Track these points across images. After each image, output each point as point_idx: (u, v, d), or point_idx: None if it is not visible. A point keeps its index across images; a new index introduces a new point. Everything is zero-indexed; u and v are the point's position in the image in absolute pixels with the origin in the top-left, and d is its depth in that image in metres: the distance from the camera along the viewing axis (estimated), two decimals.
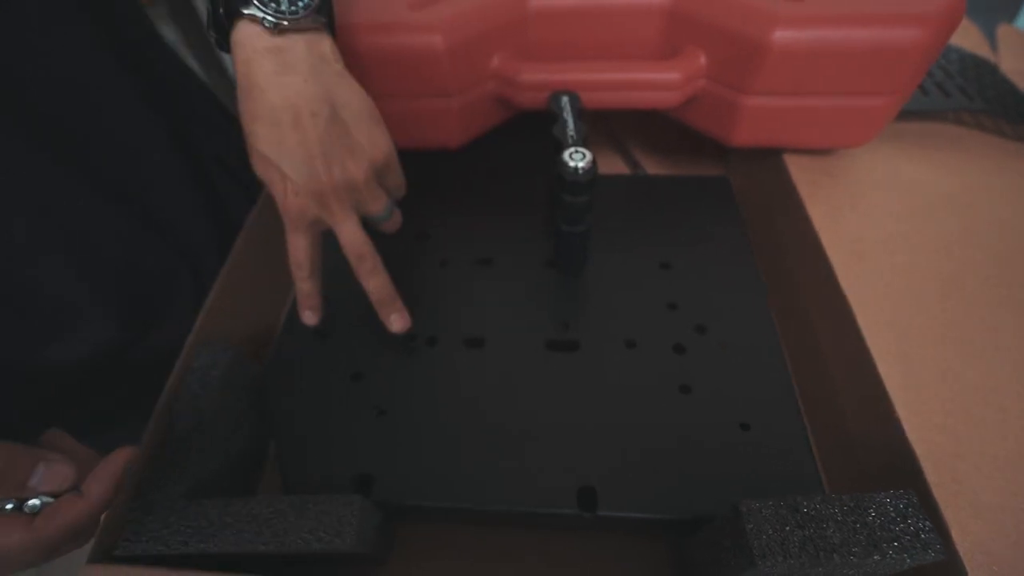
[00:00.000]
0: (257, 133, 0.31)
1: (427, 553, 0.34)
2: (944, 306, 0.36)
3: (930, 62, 0.39)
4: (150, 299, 0.43)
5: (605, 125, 0.60)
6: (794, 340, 0.40)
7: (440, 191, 0.41)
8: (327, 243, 0.36)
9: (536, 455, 0.33)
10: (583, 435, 0.34)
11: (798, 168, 0.45)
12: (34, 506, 0.23)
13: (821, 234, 0.40)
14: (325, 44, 0.32)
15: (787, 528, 0.24)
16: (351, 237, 0.34)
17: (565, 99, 0.39)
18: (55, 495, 0.24)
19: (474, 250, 0.45)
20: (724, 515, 0.26)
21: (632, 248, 0.44)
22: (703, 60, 0.41)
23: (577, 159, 0.35)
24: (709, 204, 0.48)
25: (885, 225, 0.41)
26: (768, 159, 0.47)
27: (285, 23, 0.30)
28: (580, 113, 0.38)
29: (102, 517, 0.26)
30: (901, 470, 0.30)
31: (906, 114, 0.46)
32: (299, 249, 0.35)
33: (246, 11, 0.30)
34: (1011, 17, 0.62)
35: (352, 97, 0.33)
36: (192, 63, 1.19)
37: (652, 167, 0.56)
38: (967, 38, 0.58)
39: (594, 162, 0.35)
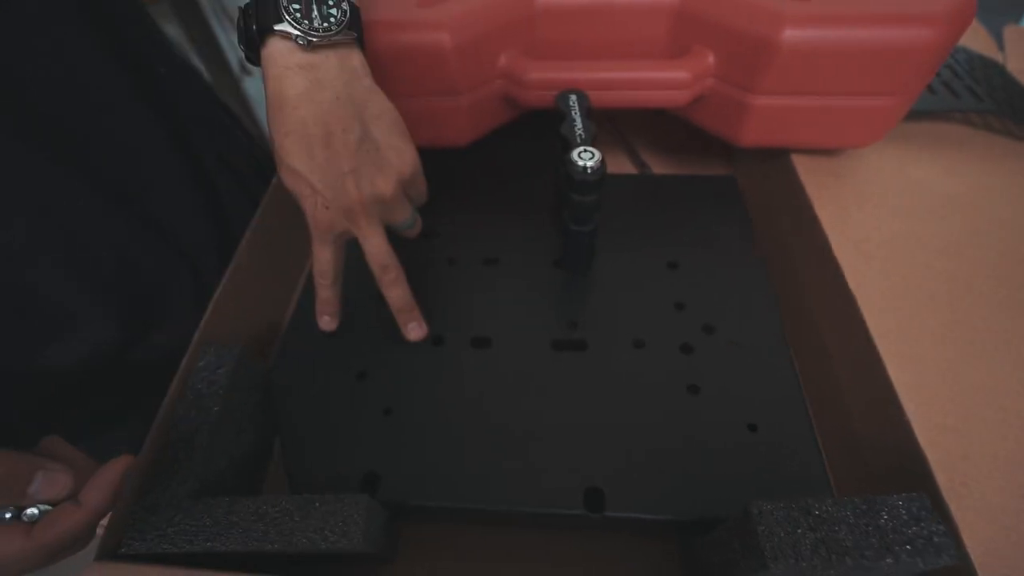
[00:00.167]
0: (288, 148, 0.31)
1: (432, 553, 0.34)
2: (952, 306, 0.36)
3: (939, 62, 0.39)
4: (150, 299, 0.43)
5: (612, 124, 0.60)
6: (801, 340, 0.40)
7: (448, 190, 0.41)
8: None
9: (543, 455, 0.33)
10: (590, 435, 0.34)
11: (805, 168, 0.45)
12: (33, 515, 0.24)
13: (828, 234, 0.39)
14: (355, 59, 0.32)
15: (799, 531, 0.23)
16: (377, 249, 0.35)
17: (573, 98, 0.39)
18: (53, 503, 0.24)
19: (481, 249, 0.45)
20: (734, 517, 0.26)
21: (639, 248, 0.44)
22: (711, 59, 0.41)
23: (586, 158, 0.35)
24: (716, 204, 0.48)
25: (892, 225, 0.41)
26: (776, 159, 0.47)
27: (317, 39, 0.30)
28: (588, 112, 0.38)
29: (106, 518, 0.26)
30: (910, 471, 0.29)
31: (914, 114, 0.45)
32: (324, 259, 0.36)
33: (278, 27, 0.30)
34: (1017, 18, 0.62)
35: (382, 112, 0.33)
36: (195, 60, 1.19)
37: (659, 167, 0.55)
38: (974, 39, 0.58)
39: (603, 161, 0.35)
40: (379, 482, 0.32)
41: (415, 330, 0.39)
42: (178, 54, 0.50)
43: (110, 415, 0.44)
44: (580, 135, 0.36)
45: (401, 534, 0.34)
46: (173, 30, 1.17)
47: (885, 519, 0.24)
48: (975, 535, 0.27)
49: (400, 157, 0.34)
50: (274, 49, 0.31)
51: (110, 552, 0.27)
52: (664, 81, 0.41)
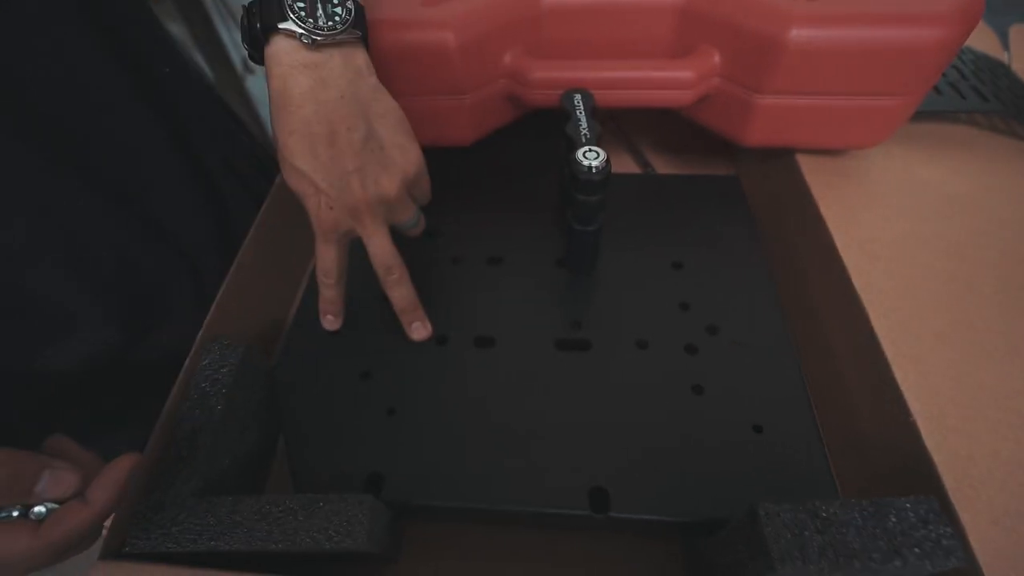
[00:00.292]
0: (292, 147, 0.31)
1: (436, 552, 0.34)
2: (957, 307, 0.36)
3: (947, 63, 0.39)
4: (150, 300, 0.43)
5: (615, 124, 0.59)
6: (806, 340, 0.40)
7: (452, 189, 0.41)
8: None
9: (547, 455, 0.33)
10: (594, 435, 0.34)
11: (810, 168, 0.45)
12: (40, 513, 0.24)
13: (833, 234, 0.39)
14: (360, 57, 0.32)
15: (806, 533, 0.23)
16: (381, 249, 0.35)
17: (578, 97, 0.39)
18: (60, 502, 0.24)
19: (485, 248, 0.45)
20: (741, 518, 0.26)
21: (643, 247, 0.44)
22: (717, 59, 0.41)
23: (591, 158, 0.34)
24: (720, 204, 0.47)
25: (898, 225, 0.41)
26: (781, 159, 0.47)
27: (322, 38, 0.30)
28: (593, 111, 0.38)
29: (110, 517, 0.26)
30: (915, 472, 0.29)
31: (920, 115, 0.45)
32: (328, 259, 0.36)
33: (282, 26, 0.30)
34: (1023, 18, 0.62)
35: (386, 111, 0.33)
36: (198, 58, 1.19)
37: (662, 166, 0.55)
38: (980, 39, 0.58)
39: (608, 161, 0.35)
40: (383, 482, 0.32)
41: (419, 330, 0.39)
42: (180, 53, 0.50)
43: (111, 415, 0.44)
44: (585, 134, 0.36)
45: (404, 533, 0.34)
46: (177, 28, 1.17)
47: (893, 522, 0.24)
48: (984, 539, 0.26)
49: (405, 156, 0.34)
50: (278, 48, 0.31)
51: (114, 551, 0.27)
52: (669, 81, 0.41)
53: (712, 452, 0.33)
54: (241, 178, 0.52)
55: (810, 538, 0.23)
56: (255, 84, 1.32)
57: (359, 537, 0.26)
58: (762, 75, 0.39)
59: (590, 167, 0.34)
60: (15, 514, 0.23)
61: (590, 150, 0.35)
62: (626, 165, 0.56)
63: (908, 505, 0.24)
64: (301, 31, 0.30)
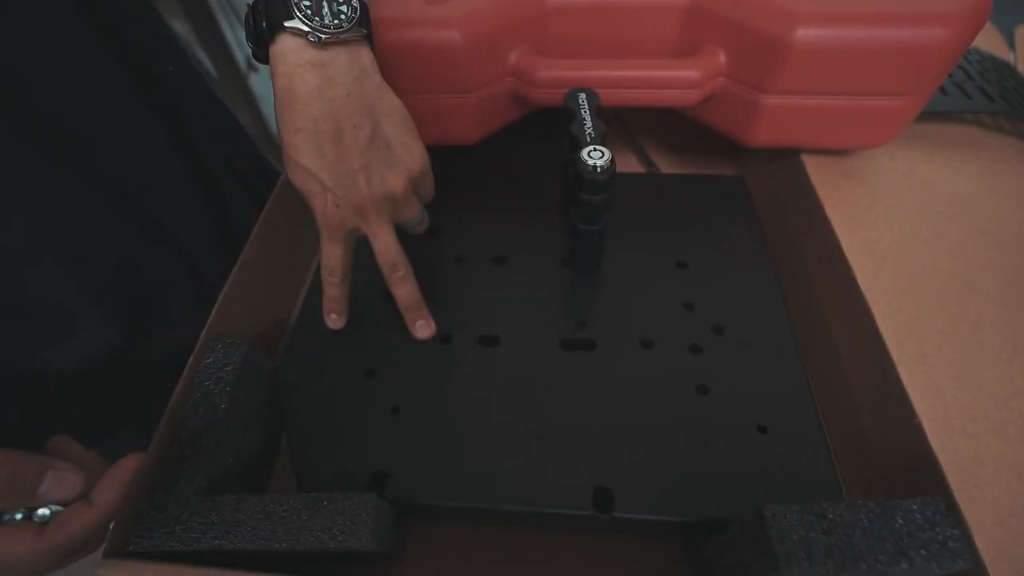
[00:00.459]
0: (298, 145, 0.31)
1: (437, 552, 0.34)
2: (963, 308, 0.36)
3: (953, 63, 0.39)
4: (150, 300, 0.43)
5: (619, 123, 0.59)
6: (811, 341, 0.40)
7: (456, 187, 0.41)
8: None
9: (551, 455, 0.33)
10: (598, 435, 0.34)
11: (816, 168, 0.44)
12: (44, 515, 0.23)
13: (839, 234, 0.39)
14: (365, 56, 0.32)
15: (812, 534, 0.23)
16: (386, 247, 0.35)
17: (583, 96, 0.39)
18: (64, 503, 0.24)
19: (490, 247, 0.44)
20: (746, 519, 0.26)
21: (647, 247, 0.44)
22: (722, 58, 0.41)
23: (596, 157, 0.34)
24: (724, 203, 0.47)
25: (903, 226, 0.41)
26: (786, 159, 0.47)
27: (328, 36, 0.30)
28: (598, 111, 0.38)
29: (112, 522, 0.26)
30: (920, 473, 0.29)
31: (925, 115, 0.45)
32: (333, 257, 0.36)
33: (288, 24, 0.30)
34: None
35: (392, 109, 0.33)
36: (202, 56, 1.19)
37: (666, 166, 0.55)
38: (985, 39, 0.58)
39: (612, 160, 0.34)
40: (387, 480, 0.32)
41: (423, 328, 0.38)
42: (181, 53, 0.50)
43: (111, 416, 0.44)
44: (590, 134, 0.36)
45: (407, 532, 0.34)
46: (180, 26, 1.17)
47: (900, 523, 0.23)
48: (991, 540, 0.26)
49: (410, 154, 0.34)
50: (284, 46, 0.31)
51: (118, 550, 0.27)
52: (675, 80, 0.41)
53: (716, 452, 0.33)
54: (241, 178, 0.52)
55: (816, 540, 0.23)
56: (259, 82, 1.32)
57: (363, 536, 0.26)
58: (768, 75, 0.39)
59: (595, 166, 0.34)
60: (18, 517, 0.23)
61: (595, 149, 0.35)
62: (630, 165, 0.56)
63: (915, 507, 0.24)
64: (308, 29, 0.30)
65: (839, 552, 0.23)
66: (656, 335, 0.38)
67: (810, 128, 0.42)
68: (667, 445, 0.33)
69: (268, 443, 0.36)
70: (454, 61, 0.40)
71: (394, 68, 0.40)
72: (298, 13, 0.29)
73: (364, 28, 0.32)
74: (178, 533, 0.27)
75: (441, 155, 0.38)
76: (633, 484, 0.31)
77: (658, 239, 0.44)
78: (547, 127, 0.48)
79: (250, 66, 1.30)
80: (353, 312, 0.40)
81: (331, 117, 0.31)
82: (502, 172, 0.50)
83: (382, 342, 0.39)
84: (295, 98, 0.31)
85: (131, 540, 0.27)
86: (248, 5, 0.31)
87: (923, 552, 0.23)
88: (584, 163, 0.34)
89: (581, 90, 0.39)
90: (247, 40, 0.33)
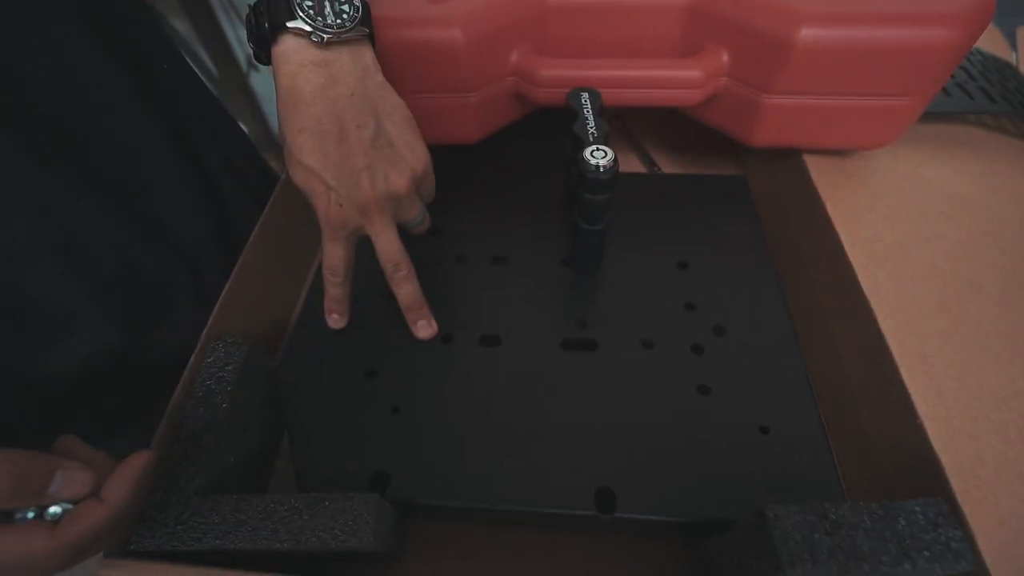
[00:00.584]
0: (302, 145, 0.31)
1: (438, 552, 0.34)
2: (964, 308, 0.36)
3: (956, 63, 0.38)
4: (150, 300, 0.43)
5: (620, 123, 0.59)
6: (812, 341, 0.40)
7: (456, 187, 0.41)
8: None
9: (553, 455, 0.33)
10: (599, 435, 0.34)
11: (818, 169, 0.44)
12: (55, 514, 0.23)
13: (840, 234, 0.39)
14: (368, 55, 0.32)
15: (815, 535, 0.23)
16: (389, 246, 0.35)
17: (585, 96, 0.39)
18: (74, 501, 0.24)
19: (490, 247, 0.44)
20: (748, 520, 0.26)
21: (649, 247, 0.44)
22: (725, 58, 0.41)
23: (599, 157, 0.34)
24: (726, 203, 0.47)
25: (905, 226, 0.41)
26: (787, 159, 0.47)
27: (330, 36, 0.30)
28: (600, 110, 0.38)
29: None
30: (921, 473, 0.29)
31: (927, 116, 0.45)
32: (335, 256, 0.36)
33: (291, 24, 0.30)
34: None
35: (394, 109, 0.33)
36: (203, 55, 1.19)
37: (668, 166, 0.55)
38: (987, 40, 0.57)
39: (615, 160, 0.34)
40: (388, 480, 0.32)
41: (424, 328, 0.38)
42: (181, 52, 0.49)
43: (111, 416, 0.44)
44: (593, 133, 0.36)
45: (407, 532, 0.34)
46: (181, 25, 1.17)
47: (902, 524, 0.23)
48: (987, 539, 0.26)
49: (413, 153, 0.34)
50: (287, 46, 0.31)
51: (119, 549, 0.27)
52: (677, 80, 0.41)
53: (718, 452, 0.33)
54: (241, 178, 0.52)
55: (819, 540, 0.23)
56: (259, 81, 1.32)
57: (365, 536, 0.26)
58: (770, 75, 0.39)
59: (598, 166, 0.34)
60: (30, 515, 0.23)
61: (598, 149, 0.35)
62: (632, 164, 0.56)
63: (917, 508, 0.24)
64: (310, 29, 0.30)
65: (842, 553, 0.23)
66: (657, 335, 0.38)
67: (812, 128, 0.42)
68: (668, 445, 0.33)
69: (268, 443, 0.36)
70: (455, 60, 0.40)
71: (395, 67, 0.39)
72: (300, 13, 0.29)
73: (366, 27, 0.32)
74: (179, 533, 0.27)
75: (442, 155, 0.38)
76: (634, 484, 0.31)
77: (659, 239, 0.44)
78: (547, 127, 0.48)
79: (251, 65, 1.30)
80: (354, 312, 0.40)
81: (335, 117, 0.31)
82: (502, 172, 0.50)
83: (383, 342, 0.39)
84: (299, 98, 0.31)
85: (132, 540, 0.27)
86: (249, 4, 0.31)
87: (926, 553, 0.23)
88: (587, 163, 0.34)
89: (583, 89, 0.39)
90: (248, 41, 0.33)
